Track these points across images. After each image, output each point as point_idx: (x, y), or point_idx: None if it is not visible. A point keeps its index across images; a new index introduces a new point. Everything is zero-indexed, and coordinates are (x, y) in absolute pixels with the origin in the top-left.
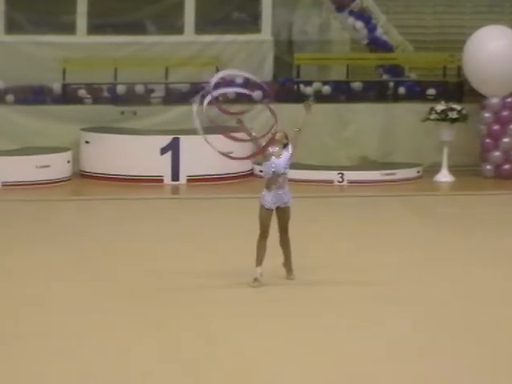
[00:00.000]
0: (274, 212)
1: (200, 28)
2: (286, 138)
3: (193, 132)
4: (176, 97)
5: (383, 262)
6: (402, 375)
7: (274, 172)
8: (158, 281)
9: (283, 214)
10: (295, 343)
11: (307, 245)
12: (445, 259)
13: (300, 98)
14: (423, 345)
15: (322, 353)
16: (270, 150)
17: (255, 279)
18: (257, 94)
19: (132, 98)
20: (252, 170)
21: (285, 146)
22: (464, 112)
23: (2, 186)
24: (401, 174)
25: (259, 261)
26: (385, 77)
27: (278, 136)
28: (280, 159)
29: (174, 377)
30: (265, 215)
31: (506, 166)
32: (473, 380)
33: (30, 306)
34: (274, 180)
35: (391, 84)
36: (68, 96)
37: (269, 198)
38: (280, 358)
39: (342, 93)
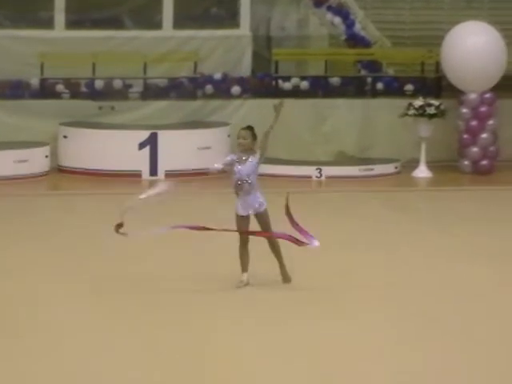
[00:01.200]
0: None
1: (178, 23)
2: (253, 142)
3: (171, 127)
4: (154, 92)
5: (363, 258)
6: (397, 372)
7: (237, 179)
8: (143, 277)
9: (260, 219)
10: (289, 344)
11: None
12: (426, 255)
13: (278, 93)
14: (415, 341)
15: (312, 353)
16: (233, 157)
17: (241, 281)
18: (235, 89)
19: (110, 93)
20: None
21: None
22: (442, 107)
23: None
24: (379, 169)
25: (244, 267)
26: (363, 72)
27: (241, 141)
28: (244, 166)
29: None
30: (239, 222)
31: (484, 162)
32: (468, 375)
33: (17, 303)
34: (239, 187)
35: (369, 79)
36: (46, 91)
37: (239, 205)
38: (272, 358)
39: (320, 88)
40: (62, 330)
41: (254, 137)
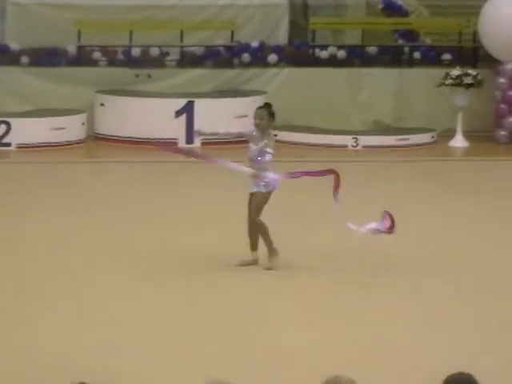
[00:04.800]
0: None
1: None
2: (270, 120)
3: (207, 95)
4: (191, 60)
5: (400, 228)
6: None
7: (249, 157)
8: (171, 247)
9: (253, 199)
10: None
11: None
12: (465, 225)
13: (314, 61)
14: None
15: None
16: (249, 132)
17: (242, 260)
18: (271, 57)
19: (147, 61)
20: None
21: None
22: (479, 77)
23: (17, 147)
24: (415, 139)
25: (252, 246)
26: (400, 41)
27: (258, 122)
28: (255, 146)
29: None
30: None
31: None
32: None
33: (54, 271)
34: (250, 164)
35: (406, 49)
36: (83, 58)
37: (250, 182)
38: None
39: (356, 57)
40: (104, 295)
41: (271, 115)
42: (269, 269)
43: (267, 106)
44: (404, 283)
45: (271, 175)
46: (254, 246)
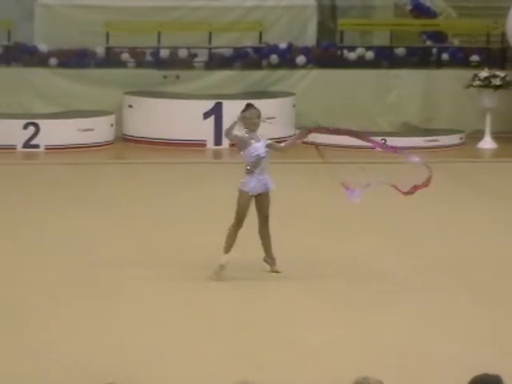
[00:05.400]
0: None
1: None
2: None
3: (235, 96)
4: (219, 61)
5: (429, 228)
6: None
7: (257, 156)
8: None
9: (264, 199)
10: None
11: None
12: (491, 226)
13: (342, 63)
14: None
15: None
16: (247, 134)
17: (221, 266)
18: (300, 59)
19: (175, 62)
20: (294, 134)
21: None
22: (507, 79)
23: (45, 149)
24: (444, 140)
25: (228, 248)
26: (428, 43)
27: (256, 121)
28: (260, 143)
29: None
30: (244, 200)
31: None
32: None
33: (73, 271)
34: (256, 164)
35: (434, 50)
36: (111, 59)
37: (252, 183)
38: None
39: (384, 58)
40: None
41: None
42: (278, 271)
43: (252, 105)
44: (429, 284)
45: None
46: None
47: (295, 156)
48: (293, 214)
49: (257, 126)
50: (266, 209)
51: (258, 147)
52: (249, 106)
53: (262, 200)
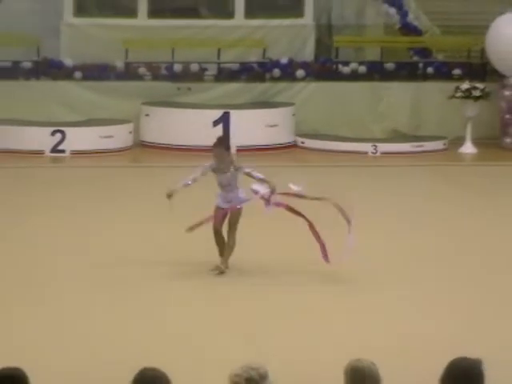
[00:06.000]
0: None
1: (249, 13)
2: (227, 153)
3: (242, 106)
4: (227, 74)
5: (417, 225)
6: None
7: (219, 184)
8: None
9: (232, 215)
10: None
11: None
12: (472, 221)
13: (338, 76)
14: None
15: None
16: (206, 167)
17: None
18: (299, 72)
19: (187, 75)
20: (295, 141)
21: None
22: (486, 90)
23: (71, 154)
24: (429, 145)
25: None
26: (415, 58)
27: (217, 160)
28: (224, 176)
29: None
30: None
31: None
32: None
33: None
34: (221, 187)
35: (421, 64)
36: (129, 73)
37: (219, 199)
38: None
39: (376, 72)
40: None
41: (227, 148)
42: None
43: (220, 140)
44: (420, 273)
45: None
46: (222, 253)
47: None
48: None
49: (219, 163)
50: (233, 223)
51: (222, 180)
52: (218, 142)
53: (232, 214)
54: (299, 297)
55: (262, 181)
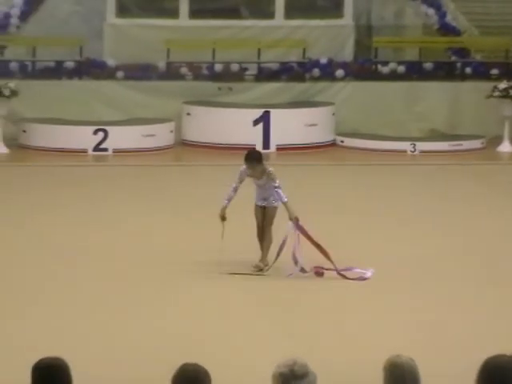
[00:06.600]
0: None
1: (289, 13)
2: (260, 166)
3: (282, 106)
4: (267, 74)
5: (449, 223)
6: None
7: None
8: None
9: (268, 212)
10: None
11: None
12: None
13: (377, 76)
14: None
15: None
16: (242, 173)
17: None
18: (339, 72)
19: (228, 75)
20: (334, 140)
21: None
22: None
23: (113, 152)
24: (467, 144)
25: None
26: (453, 58)
27: (250, 173)
28: (261, 180)
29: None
30: (256, 210)
31: None
32: None
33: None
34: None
35: (459, 64)
36: (171, 73)
37: (256, 196)
38: None
39: (414, 72)
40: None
41: (258, 161)
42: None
43: (252, 156)
44: (454, 272)
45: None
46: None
47: None
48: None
49: (253, 176)
50: (269, 220)
51: (259, 183)
52: (249, 156)
53: (267, 211)
54: (335, 294)
55: (285, 206)
